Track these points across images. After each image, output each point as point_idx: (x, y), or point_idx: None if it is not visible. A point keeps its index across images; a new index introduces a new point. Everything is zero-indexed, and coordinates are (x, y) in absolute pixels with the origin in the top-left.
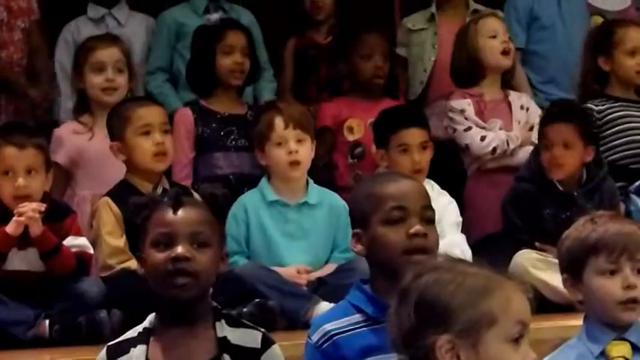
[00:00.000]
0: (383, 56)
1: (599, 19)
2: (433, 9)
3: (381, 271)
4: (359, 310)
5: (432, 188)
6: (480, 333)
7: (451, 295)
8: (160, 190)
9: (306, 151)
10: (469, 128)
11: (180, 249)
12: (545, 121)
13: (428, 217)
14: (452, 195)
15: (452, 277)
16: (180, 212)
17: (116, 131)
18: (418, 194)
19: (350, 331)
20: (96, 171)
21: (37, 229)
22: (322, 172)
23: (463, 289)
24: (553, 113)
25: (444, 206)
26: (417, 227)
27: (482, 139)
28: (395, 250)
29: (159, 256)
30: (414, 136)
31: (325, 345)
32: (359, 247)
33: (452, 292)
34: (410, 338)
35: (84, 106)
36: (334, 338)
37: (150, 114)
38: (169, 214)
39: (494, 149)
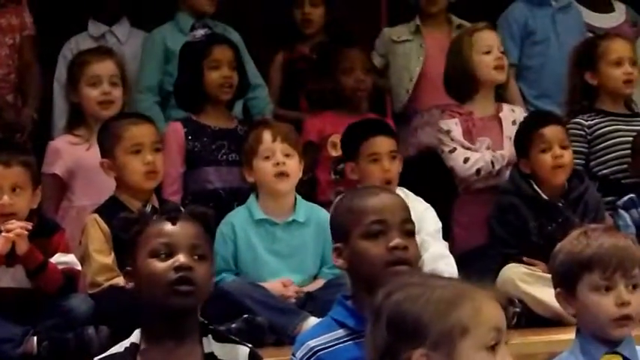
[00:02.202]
0: (364, 70)
1: None
2: (417, 21)
3: (363, 285)
4: (342, 325)
5: (407, 196)
6: (453, 344)
7: (421, 308)
8: (149, 208)
9: (293, 165)
10: (454, 150)
11: (182, 258)
12: (536, 125)
13: (408, 230)
14: (443, 208)
15: (421, 292)
16: (179, 224)
17: (107, 148)
18: (398, 207)
19: (334, 346)
20: (95, 181)
21: (23, 246)
22: (303, 187)
23: (432, 301)
24: (542, 117)
25: (421, 213)
26: (397, 240)
27: (466, 160)
28: (376, 263)
29: (160, 265)
30: (382, 144)
31: None
32: (340, 262)
33: (421, 305)
34: (386, 357)
35: (78, 119)
36: (318, 354)
37: (141, 133)
38: (168, 226)
39: (479, 170)
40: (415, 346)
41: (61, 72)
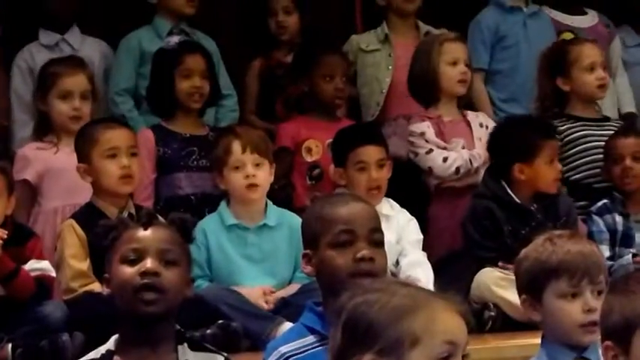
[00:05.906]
0: (344, 77)
1: (569, 35)
2: (386, 30)
3: (330, 292)
4: (312, 330)
5: (392, 207)
6: (402, 353)
7: (375, 314)
8: (125, 215)
9: (263, 175)
10: (430, 150)
11: (149, 263)
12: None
13: (376, 240)
14: (414, 214)
15: (379, 297)
16: (150, 230)
17: (83, 153)
18: (367, 217)
19: (304, 352)
20: (63, 183)
21: None
22: (279, 193)
23: (387, 308)
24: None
25: (405, 224)
26: (364, 252)
27: (445, 160)
28: (341, 274)
29: (128, 270)
30: (371, 153)
31: None
32: (309, 269)
33: (376, 311)
34: (339, 359)
35: (46, 127)
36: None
37: (117, 137)
38: (140, 231)
39: (458, 169)
40: (365, 350)
41: (17, 83)
